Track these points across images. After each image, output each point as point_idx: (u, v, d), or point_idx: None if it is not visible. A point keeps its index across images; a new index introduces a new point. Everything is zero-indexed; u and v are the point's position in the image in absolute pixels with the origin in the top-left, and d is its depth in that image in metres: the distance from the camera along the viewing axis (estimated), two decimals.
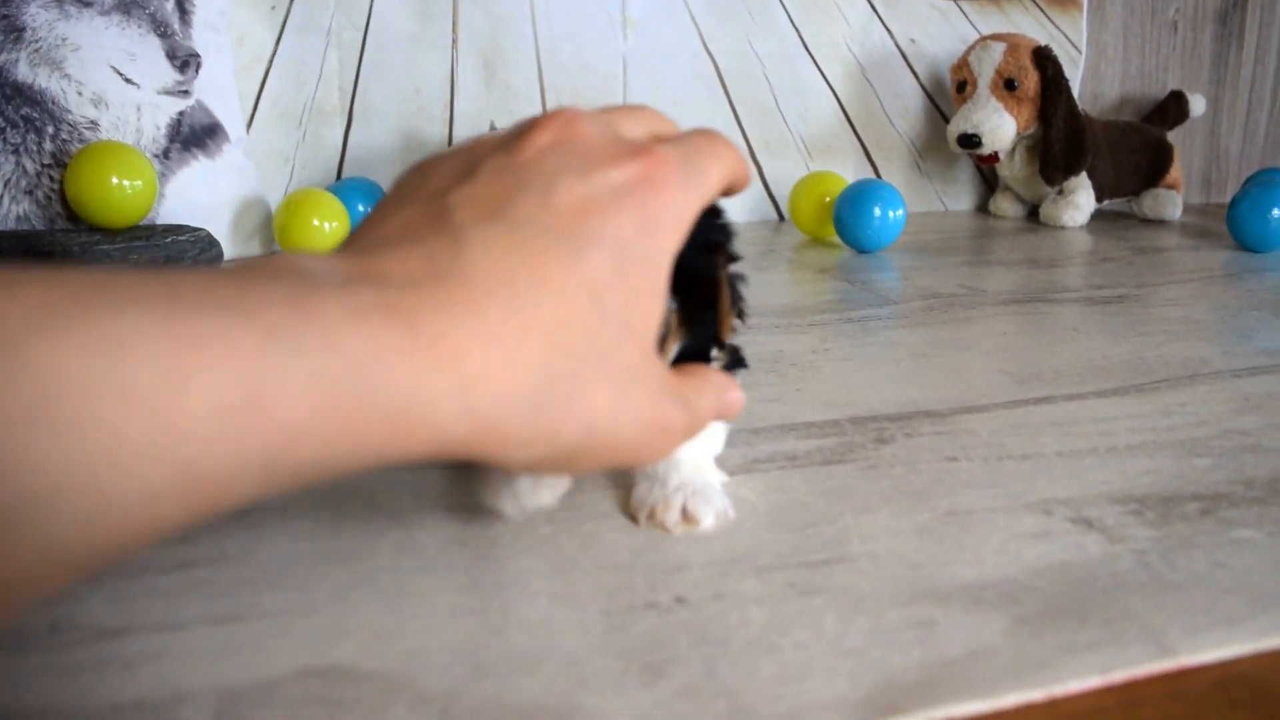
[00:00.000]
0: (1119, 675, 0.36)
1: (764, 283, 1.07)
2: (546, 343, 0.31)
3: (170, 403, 0.23)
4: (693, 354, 0.43)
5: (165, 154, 1.11)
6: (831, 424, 0.62)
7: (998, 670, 0.36)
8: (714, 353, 0.45)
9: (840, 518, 0.48)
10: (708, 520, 0.46)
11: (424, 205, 0.33)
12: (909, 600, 0.40)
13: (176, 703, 0.33)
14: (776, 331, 0.84)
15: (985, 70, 1.43)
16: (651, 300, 0.35)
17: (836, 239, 1.29)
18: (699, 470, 0.48)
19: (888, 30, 1.55)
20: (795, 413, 0.63)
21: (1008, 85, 1.42)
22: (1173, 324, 0.88)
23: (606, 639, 0.37)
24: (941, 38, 1.58)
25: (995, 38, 1.46)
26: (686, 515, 0.45)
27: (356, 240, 0.33)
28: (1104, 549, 0.45)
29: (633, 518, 0.47)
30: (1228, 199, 1.79)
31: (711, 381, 0.42)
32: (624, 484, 0.50)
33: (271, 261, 0.28)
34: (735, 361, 0.48)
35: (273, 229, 1.23)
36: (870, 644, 0.37)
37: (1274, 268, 1.17)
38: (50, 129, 1.04)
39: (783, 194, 1.52)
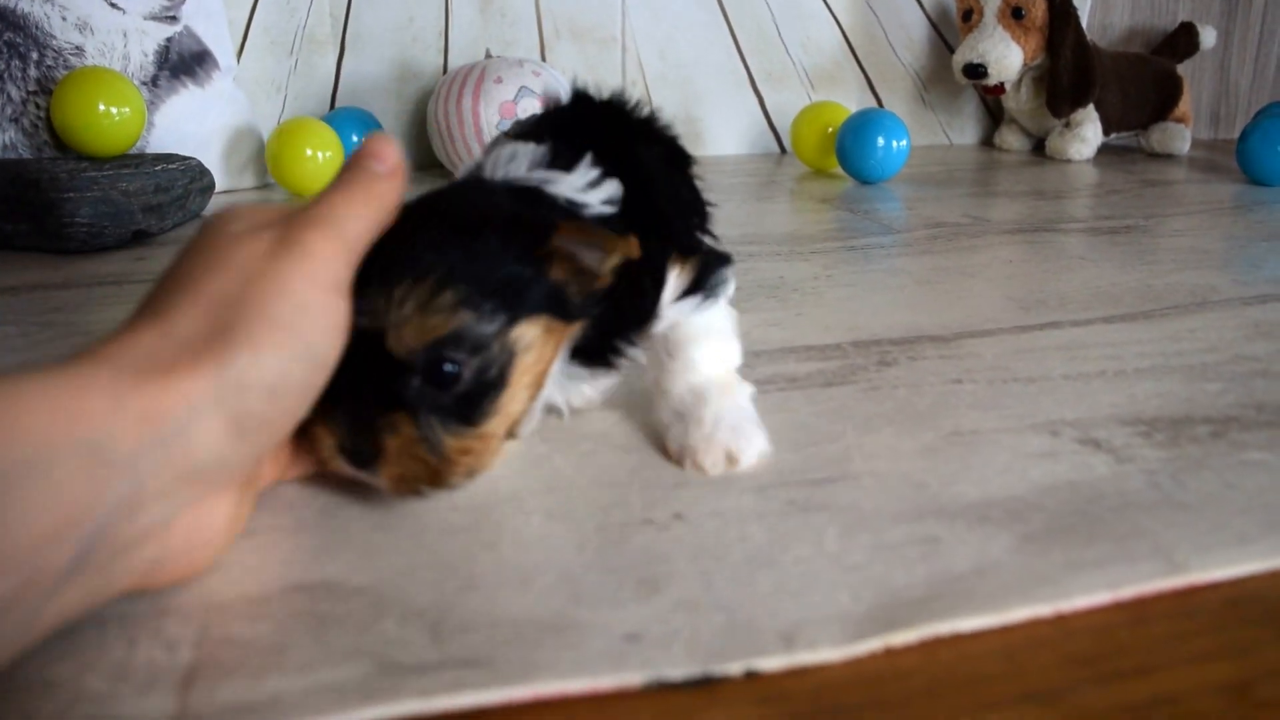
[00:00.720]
0: (1128, 591, 0.35)
1: (765, 212, 1.05)
2: None
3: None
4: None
5: (154, 81, 1.09)
6: (833, 347, 0.60)
7: (1004, 586, 0.35)
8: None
9: (841, 437, 0.47)
10: (750, 459, 0.43)
11: None
12: (913, 518, 0.39)
13: (161, 616, 0.32)
14: (777, 259, 0.83)
15: None
16: None
17: (839, 170, 1.27)
18: (727, 392, 0.45)
19: None
20: (796, 336, 0.62)
21: (1015, 14, 1.39)
22: (1181, 254, 0.86)
23: (602, 554, 0.36)
24: None
25: None
26: (730, 456, 0.43)
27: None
28: (1112, 469, 0.44)
29: (676, 461, 0.44)
30: (1236, 134, 1.77)
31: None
32: (626, 405, 0.49)
33: None
34: (713, 263, 0.45)
35: (264, 159, 1.21)
36: (873, 560, 0.36)
37: None
38: (34, 55, 1.01)
39: (784, 125, 1.49)
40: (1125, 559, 0.37)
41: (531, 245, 0.37)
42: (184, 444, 0.29)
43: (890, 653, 0.32)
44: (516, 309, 0.37)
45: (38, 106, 1.01)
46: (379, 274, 0.35)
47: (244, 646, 0.31)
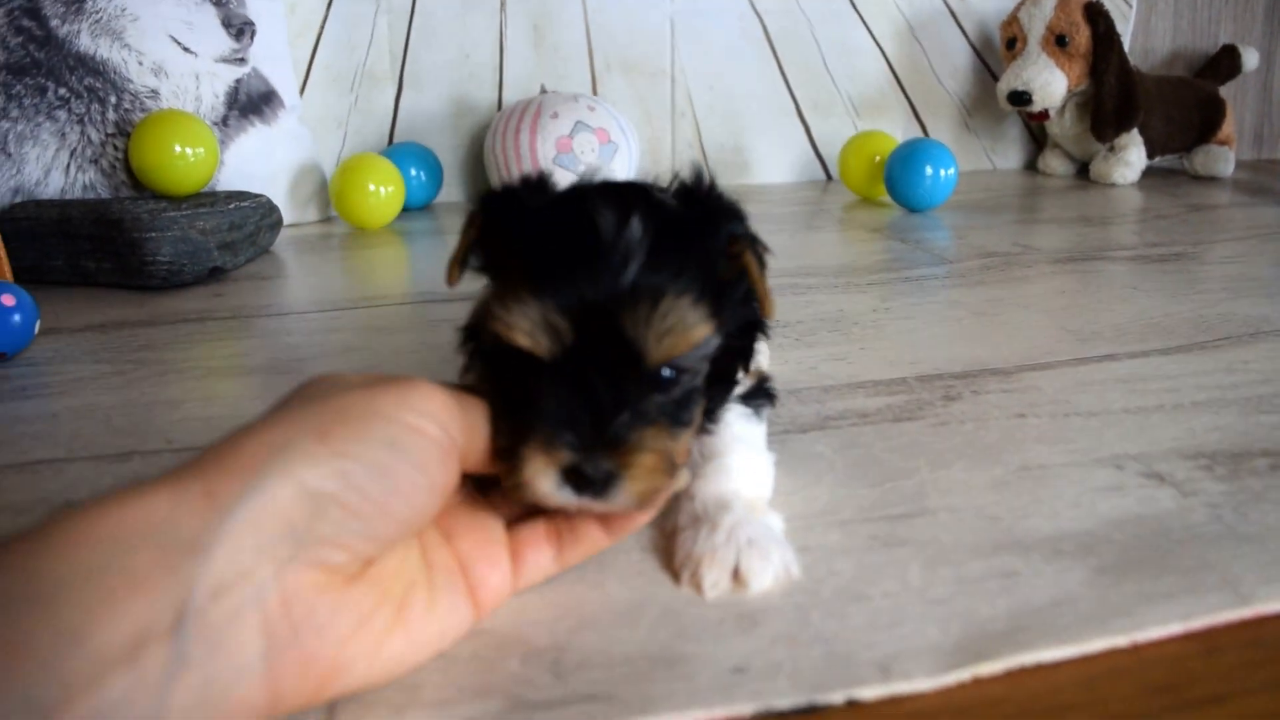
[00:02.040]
0: (1199, 622, 0.37)
1: (817, 243, 1.08)
2: None
3: None
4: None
5: (224, 121, 1.13)
6: (899, 381, 0.63)
7: (1081, 617, 0.37)
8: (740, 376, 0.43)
9: (916, 473, 0.49)
10: (764, 582, 0.39)
11: None
12: (990, 551, 0.42)
13: None
14: (835, 291, 0.85)
15: (1036, 26, 1.42)
16: None
17: (886, 199, 1.29)
18: (754, 509, 0.42)
19: None
20: (862, 371, 0.65)
21: (1059, 41, 1.41)
22: (1231, 281, 0.88)
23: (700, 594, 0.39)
24: None
25: None
26: (738, 575, 0.39)
27: None
28: (1177, 502, 0.46)
29: (675, 572, 0.40)
30: None
31: None
32: None
33: None
34: (761, 393, 0.46)
35: (328, 194, 1.25)
36: (956, 593, 0.39)
37: None
38: (113, 99, 1.06)
39: (830, 154, 1.52)
40: (1194, 591, 0.39)
41: (727, 251, 0.38)
42: (252, 516, 0.29)
43: (978, 682, 0.34)
44: (721, 319, 0.37)
45: (116, 148, 1.05)
46: (618, 283, 0.34)
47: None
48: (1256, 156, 1.78)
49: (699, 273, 0.35)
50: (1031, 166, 1.64)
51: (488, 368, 0.37)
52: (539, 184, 0.38)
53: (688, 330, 0.34)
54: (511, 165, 1.21)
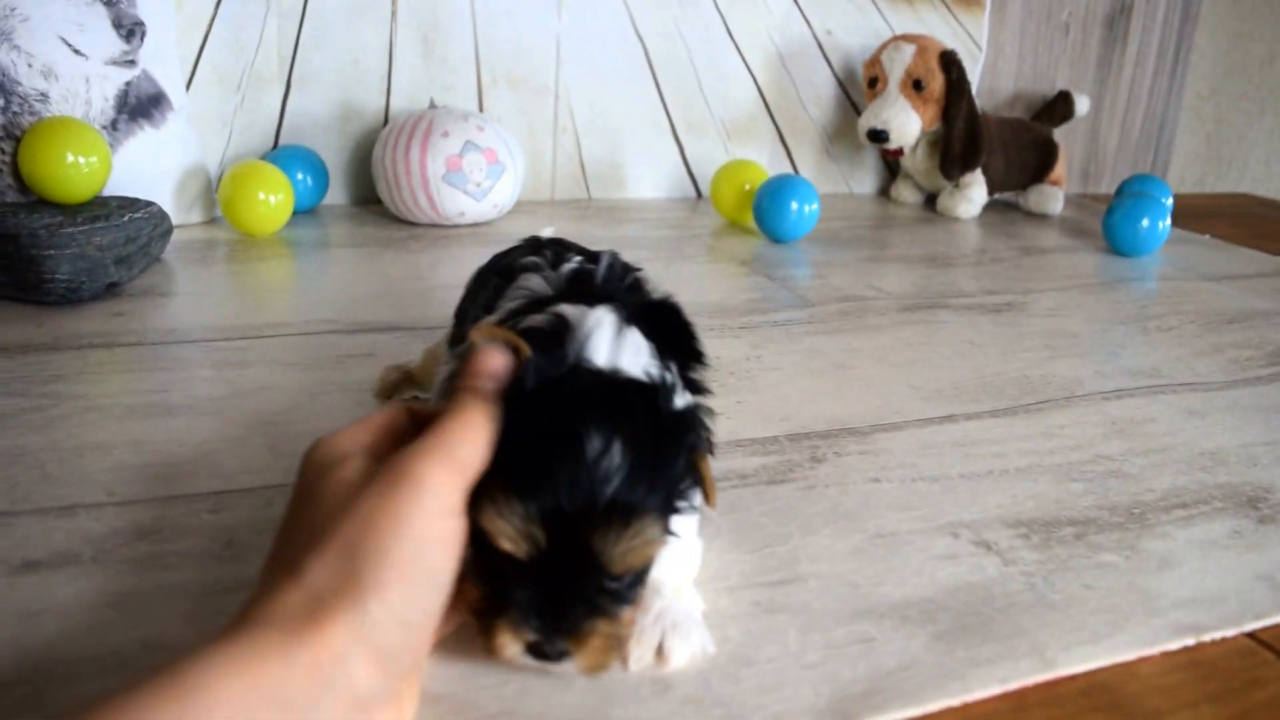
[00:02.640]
0: (1013, 685, 0.47)
1: (690, 274, 1.16)
2: None
3: None
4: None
5: (113, 125, 1.14)
6: (772, 440, 0.71)
7: (923, 681, 0.46)
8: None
9: (789, 538, 0.58)
10: (681, 661, 0.46)
11: None
12: (851, 618, 0.51)
13: None
14: (712, 334, 0.94)
15: (896, 70, 1.53)
16: None
17: (752, 224, 1.38)
18: (679, 595, 0.48)
19: (806, 21, 1.64)
20: (740, 428, 0.73)
21: (916, 86, 1.53)
22: (1053, 338, 1.00)
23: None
24: (856, 30, 1.67)
25: (906, 39, 1.56)
26: (661, 653, 0.45)
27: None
28: (999, 570, 0.56)
29: None
30: (1104, 189, 1.95)
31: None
32: None
33: None
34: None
35: (213, 197, 1.27)
36: (825, 658, 0.47)
37: (1140, 276, 1.31)
38: (1, 101, 1.05)
39: (701, 172, 1.60)
40: (1010, 656, 0.49)
41: (692, 472, 0.43)
42: (346, 684, 0.33)
43: None
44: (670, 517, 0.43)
45: (3, 152, 1.05)
46: (594, 504, 0.38)
47: None
48: (1083, 191, 1.95)
49: (665, 490, 0.41)
50: (884, 192, 1.77)
51: (478, 557, 0.41)
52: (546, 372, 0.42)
53: (649, 547, 0.40)
54: (401, 179, 1.25)
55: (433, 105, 1.32)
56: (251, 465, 0.63)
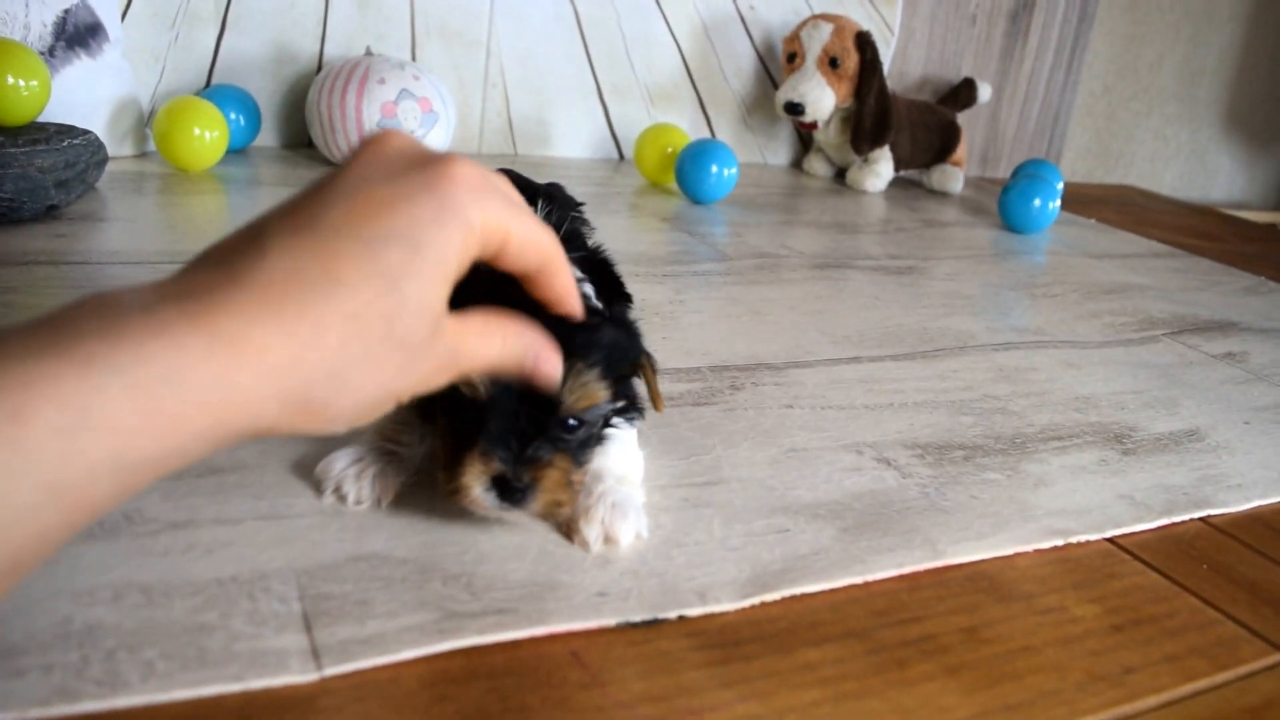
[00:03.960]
0: (908, 569, 0.54)
1: (616, 228, 1.22)
2: (340, 332, 0.35)
3: (16, 434, 0.28)
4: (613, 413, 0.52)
5: (50, 52, 1.14)
6: (695, 371, 0.77)
7: (832, 563, 0.53)
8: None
9: (713, 449, 0.64)
10: (627, 538, 0.51)
11: (247, 228, 0.37)
12: (769, 514, 0.57)
13: (264, 577, 0.45)
14: (637, 279, 0.99)
15: (814, 47, 1.60)
16: (438, 281, 0.38)
17: (673, 186, 1.44)
18: (621, 482, 0.54)
19: None
20: (666, 359, 0.79)
21: (832, 63, 1.60)
22: (950, 298, 1.09)
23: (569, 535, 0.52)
24: (777, 6, 1.74)
25: (824, 18, 1.63)
26: (608, 535, 0.51)
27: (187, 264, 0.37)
28: (898, 482, 0.64)
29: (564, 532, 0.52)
30: (1001, 173, 2.06)
31: (501, 332, 0.43)
32: None
33: (84, 303, 0.33)
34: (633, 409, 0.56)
35: (145, 131, 1.27)
36: (746, 543, 0.54)
37: (1030, 250, 1.41)
38: None
39: (624, 134, 1.66)
40: (906, 547, 0.56)
41: (637, 359, 0.51)
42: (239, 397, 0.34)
43: (764, 605, 0.49)
44: (618, 395, 0.51)
45: None
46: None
47: (338, 600, 0.44)
48: (981, 175, 2.06)
49: (610, 364, 0.48)
50: (797, 165, 1.84)
51: (444, 413, 0.48)
52: None
53: (592, 393, 0.47)
54: (336, 123, 1.27)
55: (369, 53, 1.34)
56: None
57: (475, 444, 0.46)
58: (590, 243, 0.66)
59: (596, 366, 0.47)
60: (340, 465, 0.53)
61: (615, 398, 0.50)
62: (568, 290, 0.45)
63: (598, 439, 0.51)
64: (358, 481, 0.52)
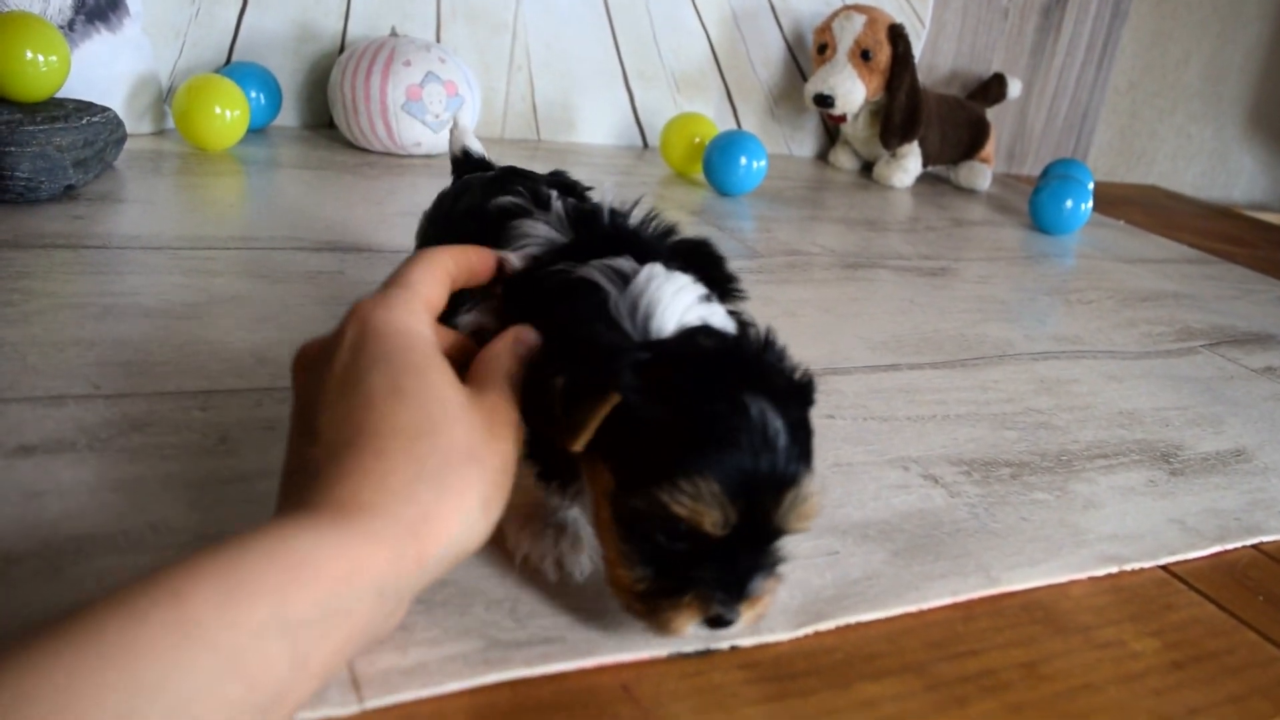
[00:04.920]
0: (963, 597, 0.52)
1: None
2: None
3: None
4: None
5: (70, 26, 1.12)
6: None
7: (885, 590, 0.51)
8: None
9: None
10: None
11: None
12: (818, 533, 0.55)
13: None
14: None
15: (845, 38, 1.58)
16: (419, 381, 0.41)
17: (700, 177, 1.42)
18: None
19: None
20: None
21: (863, 55, 1.57)
22: (984, 303, 1.06)
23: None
24: None
25: (857, 9, 1.60)
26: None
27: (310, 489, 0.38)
28: (946, 501, 0.62)
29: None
30: (1028, 170, 2.04)
31: (490, 351, 0.45)
32: None
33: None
34: None
35: (164, 108, 1.25)
36: (796, 566, 0.52)
37: (1061, 253, 1.38)
38: None
39: (649, 122, 1.63)
40: (959, 573, 0.54)
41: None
42: (436, 570, 0.38)
43: (818, 635, 0.47)
44: None
45: None
46: (777, 478, 0.40)
47: None
48: (1008, 172, 2.03)
49: (810, 446, 0.44)
50: (823, 157, 1.82)
51: (635, 520, 0.42)
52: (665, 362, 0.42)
53: (817, 509, 0.42)
54: (360, 105, 1.25)
55: (394, 33, 1.32)
56: (236, 369, 0.65)
57: (693, 584, 0.41)
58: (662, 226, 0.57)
59: (811, 470, 0.43)
60: (542, 544, 0.48)
61: None
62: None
63: None
64: (573, 553, 0.48)
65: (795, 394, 0.44)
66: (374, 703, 0.39)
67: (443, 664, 0.41)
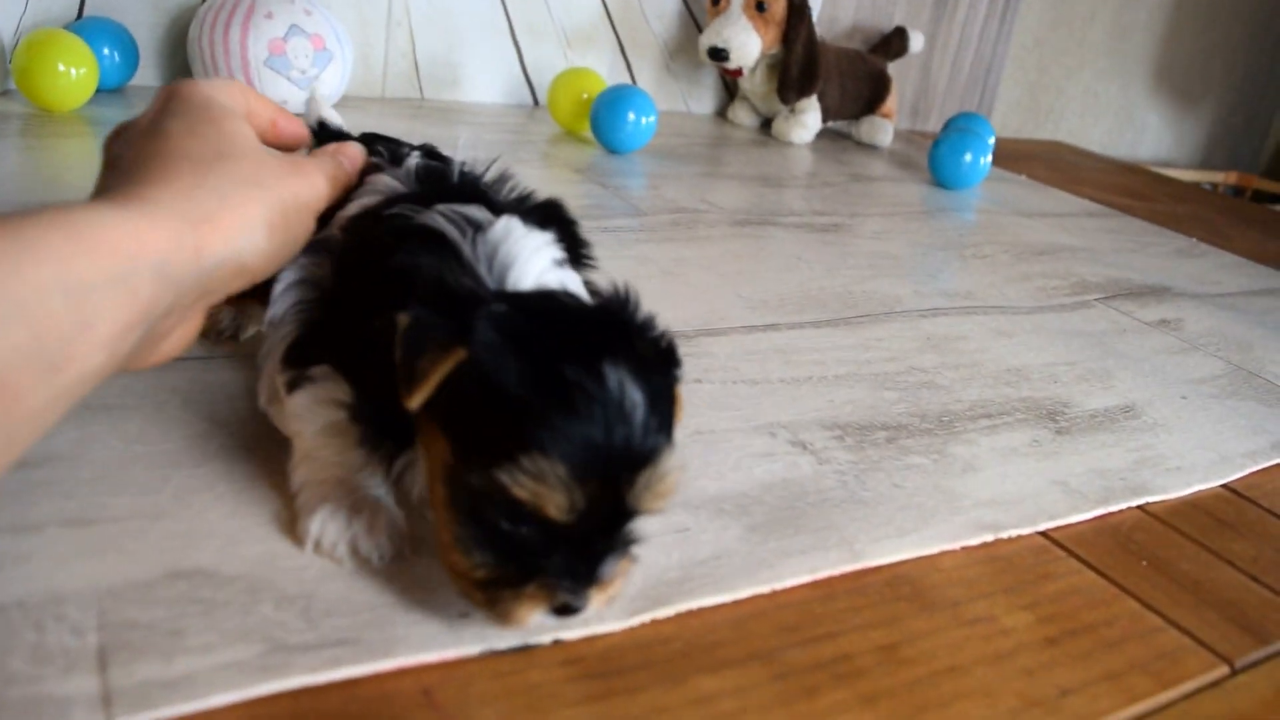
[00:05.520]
0: (822, 574, 0.48)
1: (526, 179, 1.13)
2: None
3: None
4: None
5: None
6: None
7: (735, 570, 0.47)
8: None
9: None
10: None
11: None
12: (667, 509, 0.50)
13: (59, 601, 0.38)
14: None
15: None
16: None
17: (589, 134, 1.36)
18: None
19: None
20: None
21: (758, 7, 1.52)
22: (876, 259, 1.02)
23: (424, 543, 0.44)
24: None
25: None
26: None
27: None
28: (814, 469, 0.57)
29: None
30: (931, 127, 2.01)
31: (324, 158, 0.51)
32: None
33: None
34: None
35: (6, 67, 1.15)
36: (641, 547, 0.47)
37: (960, 207, 1.35)
38: None
39: (538, 79, 1.56)
40: (820, 548, 0.50)
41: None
42: (210, 270, 0.40)
43: (655, 623, 0.43)
44: None
45: None
46: (633, 453, 0.36)
47: (145, 629, 0.37)
48: (911, 128, 2.00)
49: (669, 419, 0.39)
50: (722, 114, 1.77)
51: (473, 500, 0.37)
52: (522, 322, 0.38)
53: (675, 487, 0.38)
54: (219, 60, 1.17)
55: None
56: None
57: (538, 572, 0.37)
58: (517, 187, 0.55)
59: (670, 445, 0.38)
60: (335, 525, 0.43)
61: None
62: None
63: None
64: (370, 536, 0.42)
65: (659, 362, 0.41)
66: None
67: (213, 673, 0.35)
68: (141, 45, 1.26)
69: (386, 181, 0.50)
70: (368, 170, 0.53)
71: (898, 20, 1.87)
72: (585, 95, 1.36)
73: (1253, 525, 0.62)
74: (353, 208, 0.49)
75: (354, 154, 0.53)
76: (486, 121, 1.41)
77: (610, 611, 0.42)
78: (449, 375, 0.37)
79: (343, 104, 1.34)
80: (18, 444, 0.34)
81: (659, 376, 0.39)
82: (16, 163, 0.93)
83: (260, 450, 0.49)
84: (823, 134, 1.71)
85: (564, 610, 0.38)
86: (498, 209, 0.46)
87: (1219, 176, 2.74)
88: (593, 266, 0.50)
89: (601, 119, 1.29)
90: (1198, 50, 2.63)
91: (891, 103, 1.71)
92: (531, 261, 0.42)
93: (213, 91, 0.47)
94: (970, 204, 1.39)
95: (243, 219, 0.42)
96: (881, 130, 1.69)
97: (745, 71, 1.58)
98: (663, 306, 0.77)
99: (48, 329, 0.33)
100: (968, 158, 1.41)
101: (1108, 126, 2.57)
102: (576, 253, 0.50)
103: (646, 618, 0.42)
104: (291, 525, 0.44)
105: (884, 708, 0.40)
